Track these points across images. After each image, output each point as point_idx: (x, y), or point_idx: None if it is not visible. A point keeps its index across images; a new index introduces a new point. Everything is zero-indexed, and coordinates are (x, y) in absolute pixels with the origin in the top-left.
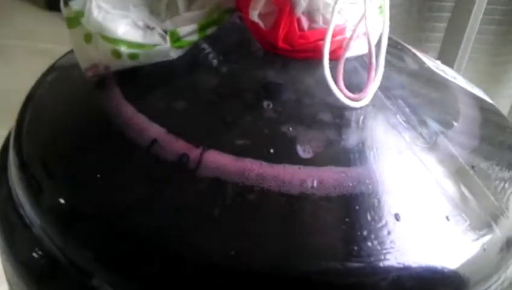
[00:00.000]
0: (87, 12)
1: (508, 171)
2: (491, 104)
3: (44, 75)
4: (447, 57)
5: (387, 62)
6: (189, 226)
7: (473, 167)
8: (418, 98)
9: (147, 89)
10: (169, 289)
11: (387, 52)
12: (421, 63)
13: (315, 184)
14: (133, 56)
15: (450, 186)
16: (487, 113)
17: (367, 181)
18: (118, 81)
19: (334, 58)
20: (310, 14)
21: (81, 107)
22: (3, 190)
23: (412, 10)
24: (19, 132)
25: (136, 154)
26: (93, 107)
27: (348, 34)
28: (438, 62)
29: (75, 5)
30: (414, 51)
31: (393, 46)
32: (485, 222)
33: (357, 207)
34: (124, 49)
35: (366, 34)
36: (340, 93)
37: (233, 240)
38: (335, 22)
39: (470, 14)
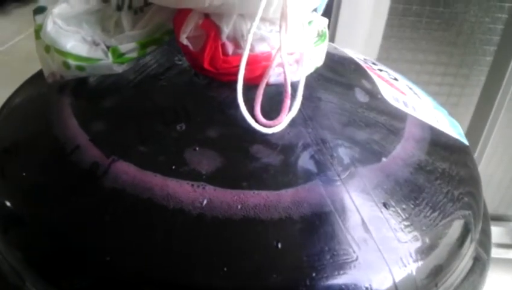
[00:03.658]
0: (44, 27)
1: (430, 213)
2: (452, 141)
3: (20, 87)
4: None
5: (327, 91)
6: (87, 231)
7: (384, 205)
8: (348, 130)
9: (91, 101)
10: None
11: (335, 80)
12: (374, 94)
13: (204, 203)
14: (80, 68)
15: (347, 222)
16: (435, 151)
17: (256, 208)
18: (72, 92)
19: (259, 83)
20: (236, 40)
21: (35, 117)
22: None
23: None
24: None
25: (62, 159)
26: (44, 118)
27: (274, 62)
28: (411, 91)
29: (38, 20)
30: (380, 82)
31: (348, 75)
32: (378, 263)
33: (240, 232)
34: (71, 61)
35: (282, 65)
36: (251, 118)
37: (117, 246)
38: (248, 48)
39: None
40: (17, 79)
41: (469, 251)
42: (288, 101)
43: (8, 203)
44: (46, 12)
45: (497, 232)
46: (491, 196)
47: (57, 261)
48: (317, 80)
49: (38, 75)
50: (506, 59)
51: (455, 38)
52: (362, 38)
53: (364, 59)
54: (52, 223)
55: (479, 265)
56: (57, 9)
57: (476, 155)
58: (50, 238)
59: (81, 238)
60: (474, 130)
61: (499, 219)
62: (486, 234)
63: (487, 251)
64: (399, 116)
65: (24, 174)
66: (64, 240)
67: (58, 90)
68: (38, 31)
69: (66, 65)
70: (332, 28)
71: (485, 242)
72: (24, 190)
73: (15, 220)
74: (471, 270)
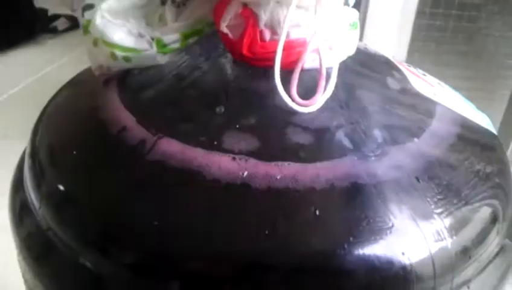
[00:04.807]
0: (92, 21)
1: (463, 189)
2: (482, 130)
3: (69, 82)
4: None
5: (359, 79)
6: (137, 201)
7: (417, 179)
8: (380, 114)
9: (136, 88)
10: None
11: (366, 69)
12: (404, 83)
13: (245, 174)
14: (126, 59)
15: (382, 192)
16: (465, 137)
17: (294, 179)
18: (118, 81)
19: (294, 68)
20: (273, 27)
21: (84, 105)
22: (18, 181)
23: None
24: (36, 126)
25: (110, 139)
26: (92, 105)
27: (309, 47)
28: (439, 85)
29: (87, 15)
30: (409, 74)
31: (379, 66)
32: (414, 233)
33: (280, 200)
34: (118, 52)
35: (317, 49)
36: (288, 98)
37: (163, 212)
38: (285, 33)
39: None
40: None
41: (501, 229)
42: (323, 83)
43: (60, 186)
44: (94, 9)
45: None
46: None
47: (110, 233)
48: (349, 68)
49: (83, 73)
50: None
51: (479, 52)
52: (388, 53)
53: (393, 57)
54: (103, 197)
55: (510, 246)
56: (105, 5)
57: None
58: (102, 212)
59: (131, 209)
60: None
61: None
62: None
63: None
64: (429, 104)
65: (74, 152)
66: (116, 212)
67: (104, 81)
68: (86, 26)
69: (113, 56)
70: None
71: None
72: (74, 170)
73: (67, 200)
74: (502, 249)
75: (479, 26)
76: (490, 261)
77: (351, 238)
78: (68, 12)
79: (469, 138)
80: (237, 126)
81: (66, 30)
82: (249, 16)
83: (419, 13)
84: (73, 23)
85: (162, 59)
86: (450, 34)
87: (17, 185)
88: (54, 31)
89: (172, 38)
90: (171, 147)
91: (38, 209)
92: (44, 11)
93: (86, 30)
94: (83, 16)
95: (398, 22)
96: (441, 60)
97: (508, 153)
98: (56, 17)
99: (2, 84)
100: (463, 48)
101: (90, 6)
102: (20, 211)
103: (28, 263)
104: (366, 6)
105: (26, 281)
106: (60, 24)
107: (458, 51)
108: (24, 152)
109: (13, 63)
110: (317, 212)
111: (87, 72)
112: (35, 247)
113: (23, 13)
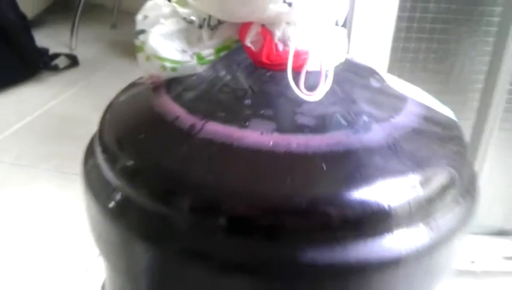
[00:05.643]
0: (147, 42)
1: (429, 154)
2: (444, 116)
3: (124, 88)
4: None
5: (349, 80)
6: (192, 166)
7: (395, 146)
8: (365, 103)
9: (182, 90)
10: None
11: (353, 72)
12: (383, 82)
13: (271, 143)
14: (173, 69)
15: (370, 155)
16: (430, 119)
17: (307, 145)
18: (166, 86)
19: (301, 70)
20: (285, 41)
21: (141, 104)
22: (91, 165)
23: None
24: (102, 125)
25: (167, 125)
26: (148, 103)
27: (310, 55)
28: (411, 87)
29: (141, 38)
30: (385, 76)
31: (362, 70)
32: (396, 185)
33: (298, 160)
34: (167, 64)
35: (318, 56)
36: (298, 90)
37: (212, 172)
38: (294, 45)
39: None
40: (54, 137)
41: (459, 191)
42: (323, 78)
43: (131, 162)
44: (146, 33)
45: (505, 245)
46: (497, 212)
47: (174, 189)
48: (340, 71)
49: (135, 83)
50: (491, 90)
51: (450, 69)
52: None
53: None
54: (167, 167)
55: (468, 200)
56: (156, 29)
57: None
58: (166, 177)
59: (188, 172)
60: (473, 149)
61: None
62: (472, 194)
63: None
64: (402, 97)
65: (141, 136)
66: (176, 176)
67: (155, 86)
68: (141, 46)
69: (163, 68)
70: None
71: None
72: (142, 149)
73: (137, 171)
74: (459, 204)
75: (449, 48)
76: (451, 209)
77: (349, 184)
78: (67, 51)
79: (434, 121)
80: (260, 114)
81: (67, 68)
82: (267, 33)
83: (396, 38)
84: (73, 61)
85: (201, 68)
86: (422, 55)
87: (90, 168)
88: (55, 69)
89: (208, 52)
90: (215, 128)
91: (114, 180)
92: (46, 50)
93: (141, 49)
94: (136, 38)
95: (377, 47)
96: (417, 77)
97: (477, 163)
98: (56, 55)
99: (10, 118)
100: (435, 66)
101: (143, 31)
102: (96, 182)
103: (106, 216)
104: (350, 29)
105: (99, 234)
106: (61, 62)
107: (431, 69)
108: (91, 139)
109: (19, 99)
110: (324, 167)
111: (138, 82)
112: (114, 206)
113: (26, 53)
